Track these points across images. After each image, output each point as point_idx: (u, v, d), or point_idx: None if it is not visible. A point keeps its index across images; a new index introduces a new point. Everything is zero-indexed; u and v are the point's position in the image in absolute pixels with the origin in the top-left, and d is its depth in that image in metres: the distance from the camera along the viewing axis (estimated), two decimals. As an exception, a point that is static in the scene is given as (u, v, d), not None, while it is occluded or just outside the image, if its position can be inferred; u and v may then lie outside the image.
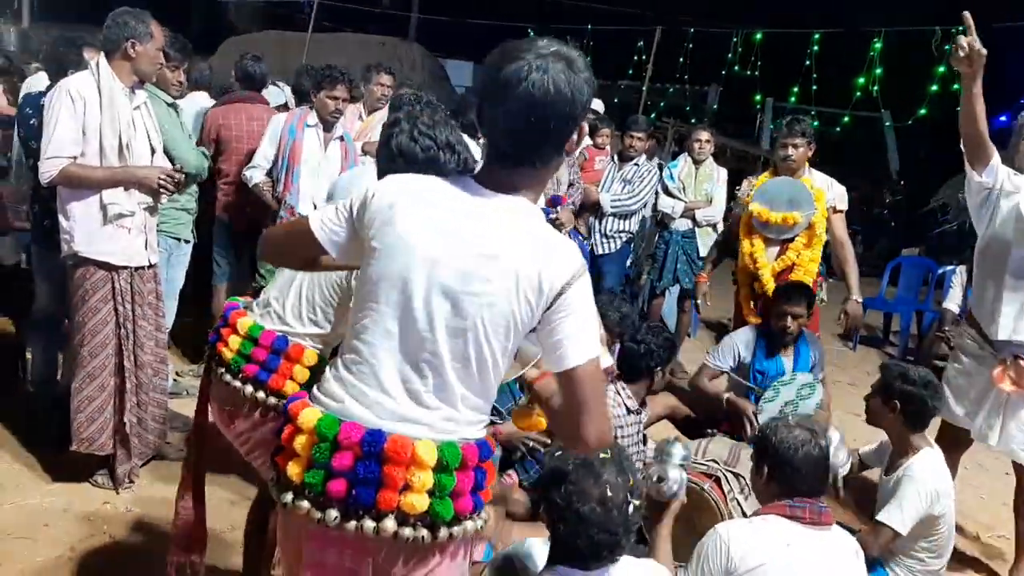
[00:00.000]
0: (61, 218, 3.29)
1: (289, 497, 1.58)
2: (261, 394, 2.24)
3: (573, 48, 1.53)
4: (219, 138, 4.80)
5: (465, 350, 1.54)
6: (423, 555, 1.58)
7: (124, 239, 3.33)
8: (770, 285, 4.37)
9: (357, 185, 2.87)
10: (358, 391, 1.58)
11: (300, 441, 1.57)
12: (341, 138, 4.57)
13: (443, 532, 1.55)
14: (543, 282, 1.50)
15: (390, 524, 1.52)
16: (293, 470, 1.57)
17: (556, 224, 4.34)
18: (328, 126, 4.50)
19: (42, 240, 3.72)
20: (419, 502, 1.52)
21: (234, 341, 2.27)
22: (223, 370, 2.27)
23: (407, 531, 1.53)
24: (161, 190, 3.38)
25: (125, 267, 3.35)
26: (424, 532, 1.54)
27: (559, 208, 4.44)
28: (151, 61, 3.30)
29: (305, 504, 1.56)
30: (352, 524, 1.52)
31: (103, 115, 3.20)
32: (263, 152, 4.51)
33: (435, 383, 1.56)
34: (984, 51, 3.04)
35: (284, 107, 5.69)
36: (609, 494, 1.87)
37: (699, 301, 5.01)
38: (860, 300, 4.53)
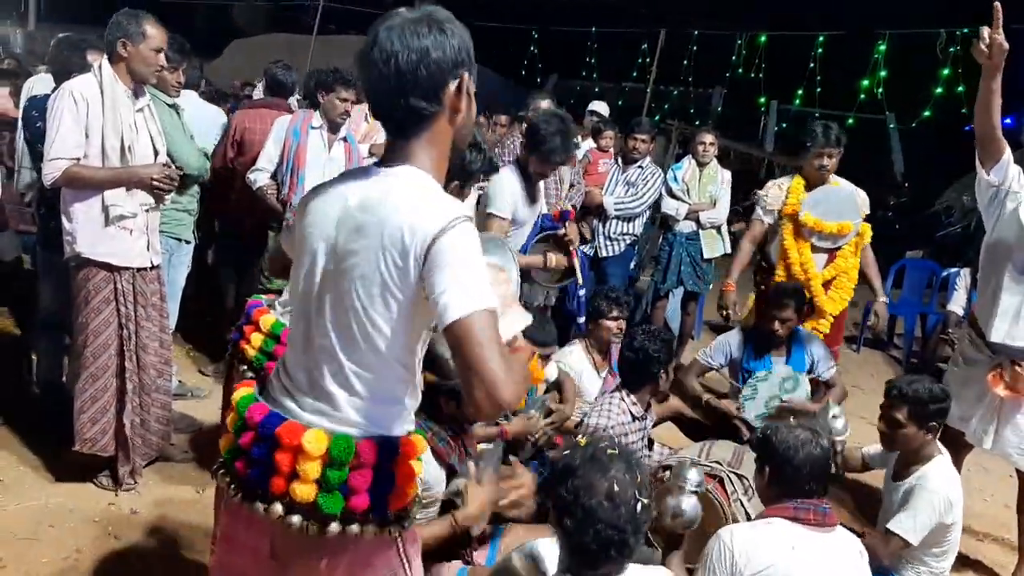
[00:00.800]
0: (64, 220, 3.31)
1: (216, 469, 1.67)
2: None
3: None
4: (242, 140, 4.87)
5: (350, 326, 1.51)
6: (319, 547, 1.57)
7: (126, 240, 3.35)
8: (821, 294, 4.43)
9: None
10: (284, 379, 1.63)
11: (229, 417, 1.64)
12: (345, 139, 4.58)
13: (333, 527, 1.53)
14: (406, 236, 1.44)
15: (278, 508, 1.53)
16: (221, 444, 1.66)
17: (564, 240, 4.28)
18: (335, 128, 4.51)
19: (47, 242, 3.74)
20: (304, 492, 1.51)
21: (256, 338, 2.28)
22: (245, 367, 2.28)
23: (295, 519, 1.53)
24: (156, 189, 3.38)
25: (127, 268, 3.37)
26: (312, 524, 1.53)
27: (567, 224, 4.39)
28: (144, 61, 3.27)
29: (224, 479, 1.63)
30: (248, 504, 1.56)
31: (105, 117, 3.22)
32: (267, 155, 4.52)
33: (330, 369, 1.54)
34: (1006, 45, 3.02)
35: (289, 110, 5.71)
36: (616, 489, 1.85)
37: (730, 311, 4.75)
38: (886, 300, 4.68)
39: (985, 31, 3.03)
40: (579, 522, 1.84)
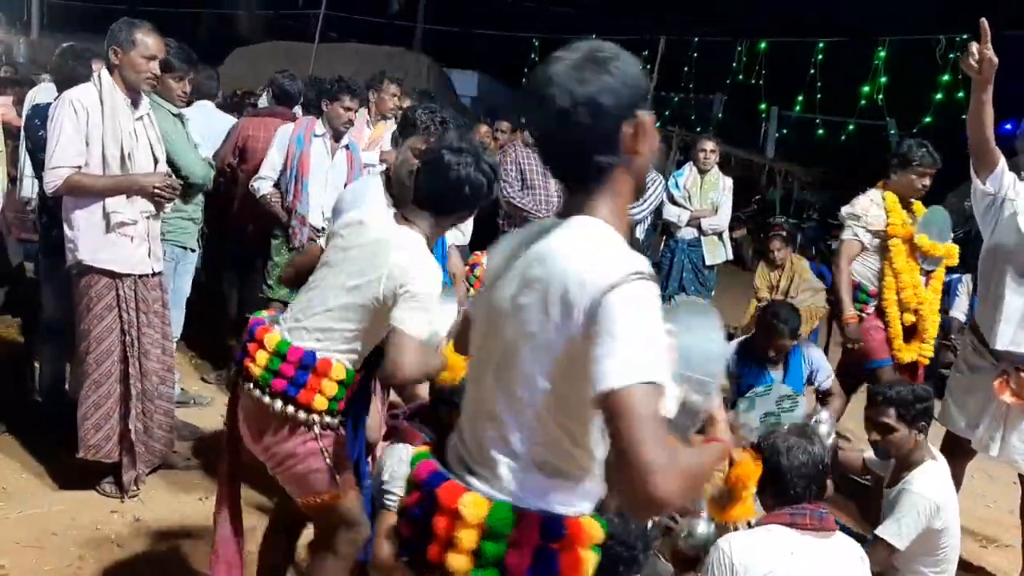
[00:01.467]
0: (65, 227, 3.33)
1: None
2: (291, 408, 2.24)
3: (594, 45, 1.38)
4: (245, 147, 4.89)
5: (514, 386, 1.39)
6: None
7: (127, 247, 3.37)
8: (932, 318, 4.39)
9: (363, 195, 2.90)
10: (458, 443, 1.56)
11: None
12: (347, 147, 4.60)
13: None
14: (573, 290, 1.29)
15: None
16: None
17: None
18: (338, 136, 4.53)
19: (50, 250, 3.75)
20: (459, 563, 1.39)
21: (261, 357, 2.27)
22: (251, 385, 2.28)
23: None
24: (156, 197, 3.40)
25: (129, 275, 3.38)
26: None
27: None
28: (134, 68, 3.27)
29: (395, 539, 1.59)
30: (411, 573, 1.50)
31: (105, 125, 3.24)
32: (270, 163, 4.53)
33: (494, 432, 1.43)
34: (995, 59, 3.04)
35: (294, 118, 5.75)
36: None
37: (852, 346, 4.35)
38: None
39: (974, 46, 3.05)
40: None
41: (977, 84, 3.14)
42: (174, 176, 3.55)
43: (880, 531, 2.97)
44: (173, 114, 3.96)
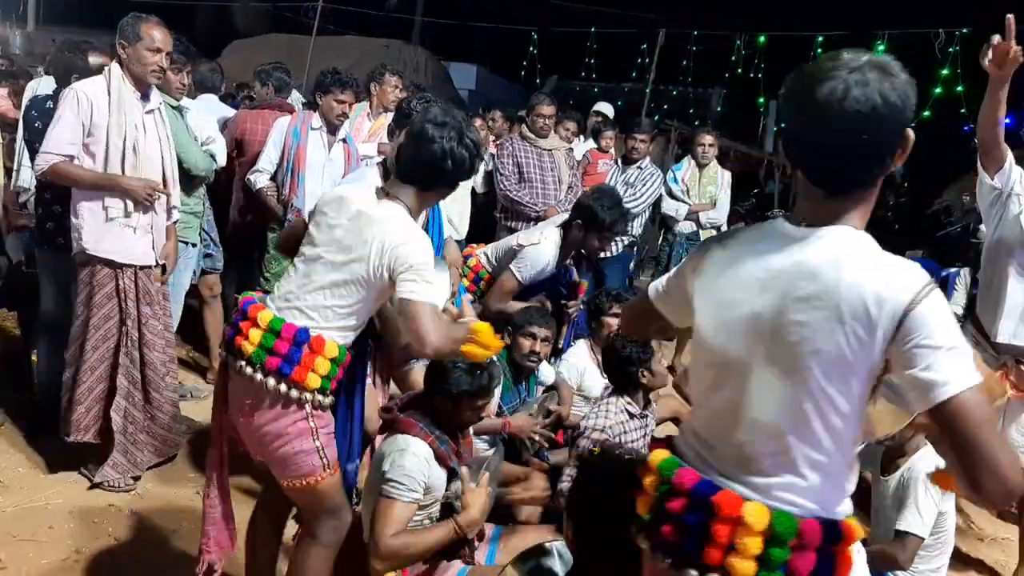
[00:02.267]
0: (71, 216, 3.36)
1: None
2: (283, 387, 2.24)
3: (881, 54, 1.41)
4: (242, 140, 4.89)
5: (803, 405, 1.41)
6: None
7: (130, 238, 3.39)
8: None
9: (360, 183, 2.89)
10: (701, 449, 1.56)
11: (648, 480, 1.58)
12: (344, 141, 4.59)
13: None
14: (872, 308, 1.34)
15: None
16: (639, 506, 1.59)
17: (565, 311, 4.20)
18: (333, 129, 4.52)
19: (45, 243, 3.74)
20: (744, 568, 1.43)
21: (255, 334, 2.26)
22: (243, 363, 2.27)
23: None
24: (145, 201, 3.39)
25: (130, 265, 3.40)
26: None
27: (573, 302, 4.28)
28: (140, 61, 3.31)
29: (645, 541, 1.57)
30: (678, 571, 1.50)
31: (111, 117, 3.27)
32: (267, 156, 4.53)
33: (773, 448, 1.45)
34: (1021, 57, 2.96)
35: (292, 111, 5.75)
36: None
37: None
38: None
39: (996, 39, 2.94)
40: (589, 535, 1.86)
41: (995, 81, 3.05)
42: (170, 182, 3.53)
43: (903, 525, 2.95)
44: (172, 106, 3.96)
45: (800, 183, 1.49)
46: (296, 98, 6.34)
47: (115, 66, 3.34)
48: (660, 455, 1.58)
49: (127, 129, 3.30)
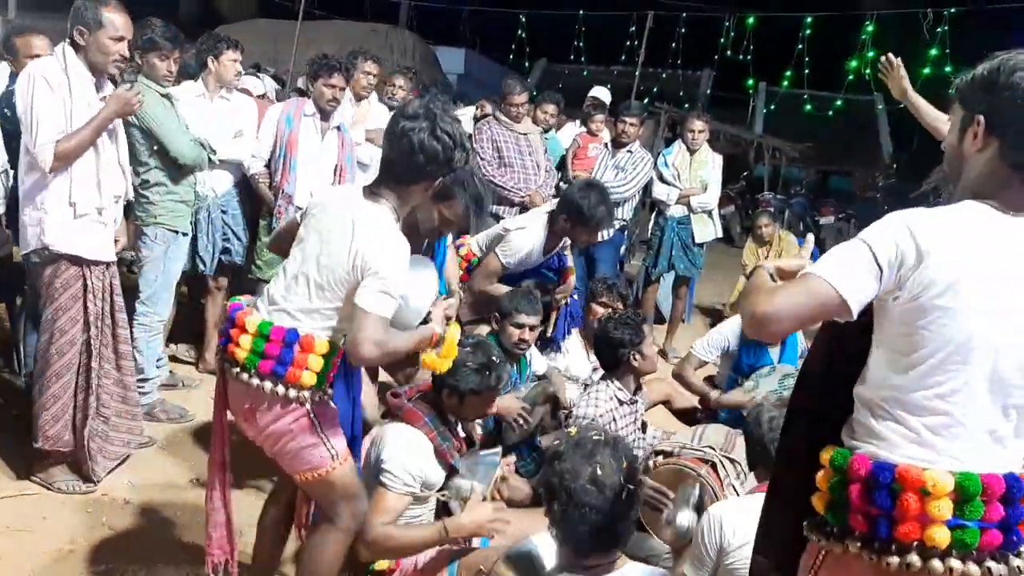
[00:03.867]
0: (30, 209, 3.13)
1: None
2: (280, 388, 2.26)
3: None
4: None
5: None
6: None
7: (100, 232, 3.22)
8: None
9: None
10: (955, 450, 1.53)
11: (820, 474, 1.58)
12: (338, 128, 4.56)
13: (973, 569, 1.46)
14: None
15: (913, 558, 1.46)
16: (815, 502, 1.59)
17: (553, 300, 4.15)
18: (325, 115, 4.49)
19: (19, 237, 3.65)
20: (940, 537, 1.45)
21: (245, 341, 2.27)
22: (238, 369, 2.28)
23: (935, 564, 1.46)
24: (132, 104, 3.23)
25: (99, 262, 3.23)
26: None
27: (561, 285, 4.23)
28: (101, 50, 3.09)
29: (818, 533, 1.58)
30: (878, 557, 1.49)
31: (74, 102, 3.08)
32: (260, 142, 4.50)
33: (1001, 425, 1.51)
34: (895, 60, 3.29)
35: (262, 97, 5.66)
36: (600, 473, 1.88)
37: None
38: None
39: (887, 60, 3.29)
40: (565, 505, 1.88)
41: (902, 97, 3.37)
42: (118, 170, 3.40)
43: None
44: (161, 94, 3.90)
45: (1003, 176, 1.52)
46: (260, 83, 6.24)
47: (68, 48, 3.10)
48: (831, 451, 1.58)
49: (88, 113, 3.10)
